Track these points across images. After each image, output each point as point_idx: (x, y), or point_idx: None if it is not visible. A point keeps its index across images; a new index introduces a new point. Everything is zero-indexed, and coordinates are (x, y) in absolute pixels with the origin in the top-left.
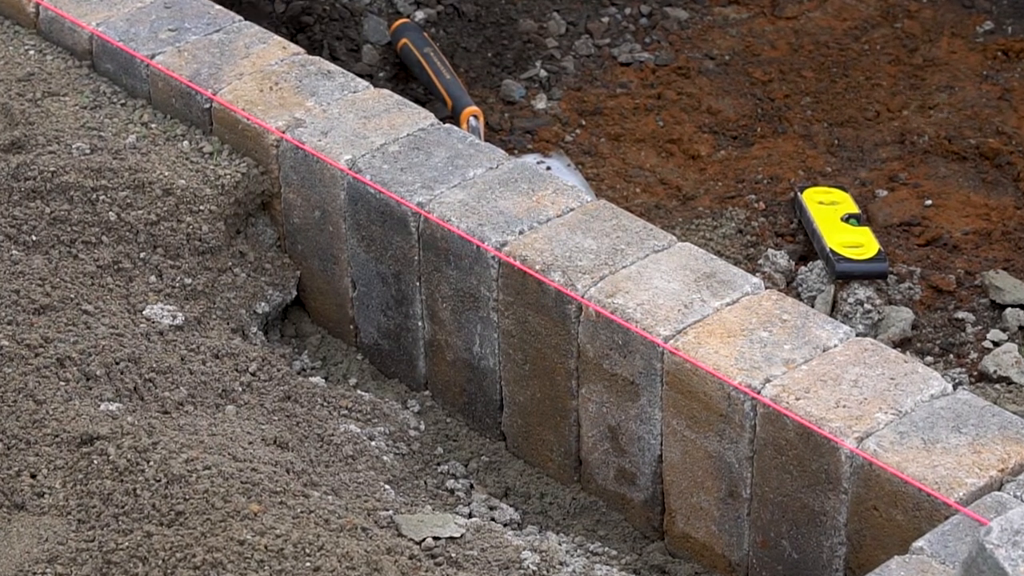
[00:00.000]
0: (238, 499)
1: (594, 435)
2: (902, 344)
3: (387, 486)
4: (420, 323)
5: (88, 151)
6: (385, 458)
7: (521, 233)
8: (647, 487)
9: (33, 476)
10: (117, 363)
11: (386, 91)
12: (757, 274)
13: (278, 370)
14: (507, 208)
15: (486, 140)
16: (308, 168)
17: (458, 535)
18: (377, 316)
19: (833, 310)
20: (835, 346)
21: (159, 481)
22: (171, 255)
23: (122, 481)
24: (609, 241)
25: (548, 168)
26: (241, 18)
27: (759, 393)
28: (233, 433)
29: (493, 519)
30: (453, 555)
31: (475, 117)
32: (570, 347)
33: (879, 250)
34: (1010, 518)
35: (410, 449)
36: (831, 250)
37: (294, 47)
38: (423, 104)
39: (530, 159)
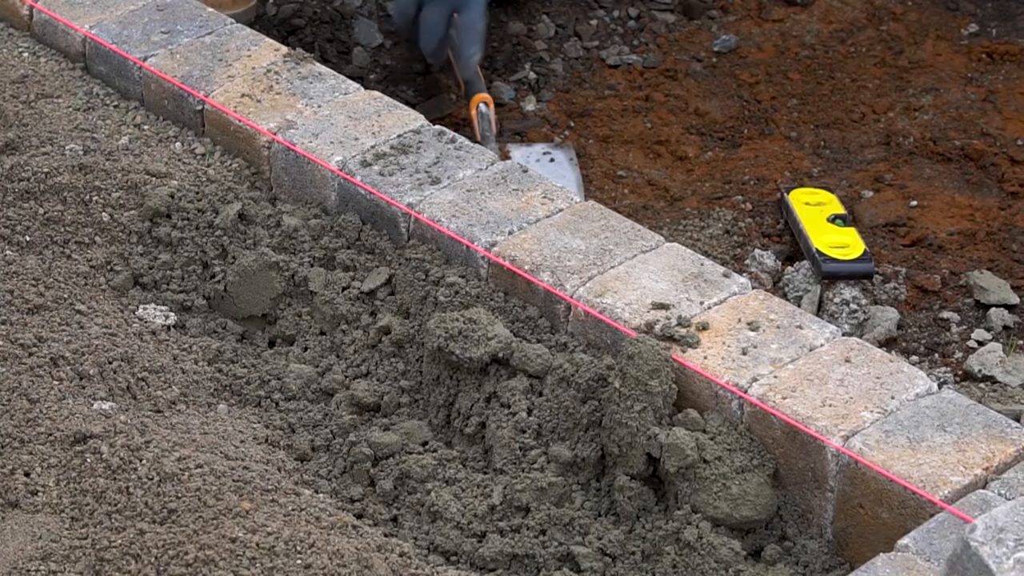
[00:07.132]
0: (230, 497)
1: None
2: (888, 344)
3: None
4: None
5: (81, 152)
6: None
7: (510, 233)
8: None
9: (27, 474)
10: (110, 362)
11: (376, 93)
12: (744, 274)
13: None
14: (496, 208)
15: (498, 127)
16: (299, 169)
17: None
18: None
19: (819, 310)
20: (821, 346)
21: (152, 479)
22: None
23: (115, 479)
24: (597, 241)
25: (552, 160)
26: (233, 20)
27: (746, 392)
28: (225, 432)
29: None
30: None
31: (485, 104)
32: None
33: (865, 250)
34: (994, 516)
35: None
36: (817, 250)
37: (285, 49)
38: (413, 106)
39: (537, 148)
